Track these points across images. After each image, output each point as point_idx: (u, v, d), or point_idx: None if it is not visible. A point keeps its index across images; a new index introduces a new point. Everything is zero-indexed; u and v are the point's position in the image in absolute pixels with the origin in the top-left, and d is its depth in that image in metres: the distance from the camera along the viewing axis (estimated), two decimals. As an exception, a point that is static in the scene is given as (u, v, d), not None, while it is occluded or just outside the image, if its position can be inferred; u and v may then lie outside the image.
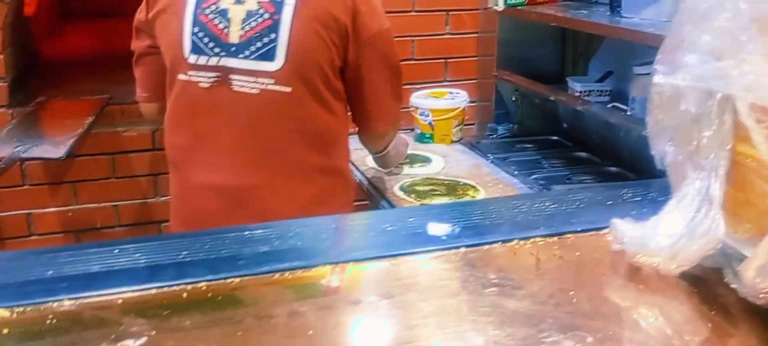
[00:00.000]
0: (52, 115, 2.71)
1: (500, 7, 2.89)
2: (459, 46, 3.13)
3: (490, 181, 2.42)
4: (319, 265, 0.80)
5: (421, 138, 2.83)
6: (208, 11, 1.67)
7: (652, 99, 0.87)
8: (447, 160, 2.62)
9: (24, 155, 2.29)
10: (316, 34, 1.65)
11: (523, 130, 3.04)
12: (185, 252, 0.80)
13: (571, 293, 0.77)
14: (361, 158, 2.48)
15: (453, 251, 0.85)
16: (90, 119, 2.55)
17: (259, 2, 1.66)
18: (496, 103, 3.07)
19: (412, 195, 2.27)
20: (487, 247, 0.85)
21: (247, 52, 1.65)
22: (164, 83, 1.78)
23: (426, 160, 2.61)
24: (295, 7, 1.64)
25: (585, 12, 2.68)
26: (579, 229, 0.90)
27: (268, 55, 1.65)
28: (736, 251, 0.75)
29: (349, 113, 1.89)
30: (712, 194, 0.75)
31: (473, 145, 2.83)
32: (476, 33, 3.12)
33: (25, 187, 2.79)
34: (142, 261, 0.78)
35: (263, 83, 1.66)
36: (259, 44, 1.65)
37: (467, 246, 0.85)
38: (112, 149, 2.84)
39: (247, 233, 0.85)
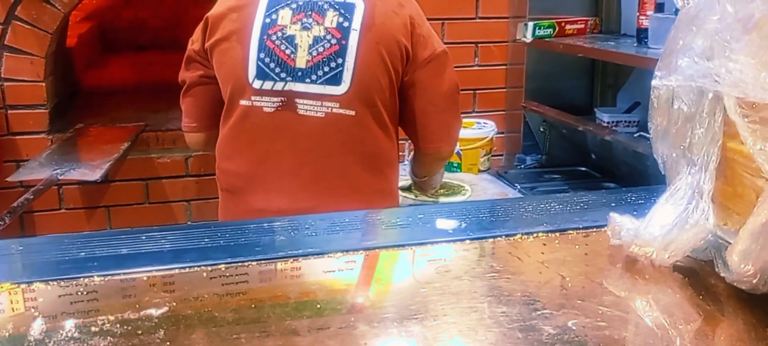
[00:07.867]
0: (89, 141, 2.80)
1: (528, 39, 2.92)
2: (487, 78, 3.17)
3: (515, 208, 2.44)
4: (333, 252, 0.85)
5: (449, 167, 2.86)
6: (274, 37, 1.69)
7: (651, 104, 0.91)
8: (474, 189, 2.64)
9: (61, 177, 2.38)
10: (380, 58, 1.68)
11: (550, 160, 3.06)
12: (207, 239, 0.86)
13: (567, 279, 0.81)
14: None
15: (459, 243, 0.90)
16: (126, 145, 2.64)
17: (326, 28, 1.68)
18: (524, 134, 3.10)
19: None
20: (491, 240, 0.90)
21: (313, 77, 1.68)
22: (212, 113, 1.81)
23: (453, 188, 2.64)
24: (360, 33, 1.67)
25: (612, 43, 2.72)
26: (581, 226, 0.94)
27: (335, 80, 1.67)
28: (727, 242, 0.78)
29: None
30: (703, 187, 0.79)
31: (501, 175, 2.85)
32: (505, 65, 3.17)
33: (62, 211, 2.88)
34: (167, 246, 0.84)
35: (328, 107, 1.68)
36: (326, 69, 1.67)
37: (472, 239, 0.90)
38: (146, 175, 2.93)
39: (266, 225, 0.91)
